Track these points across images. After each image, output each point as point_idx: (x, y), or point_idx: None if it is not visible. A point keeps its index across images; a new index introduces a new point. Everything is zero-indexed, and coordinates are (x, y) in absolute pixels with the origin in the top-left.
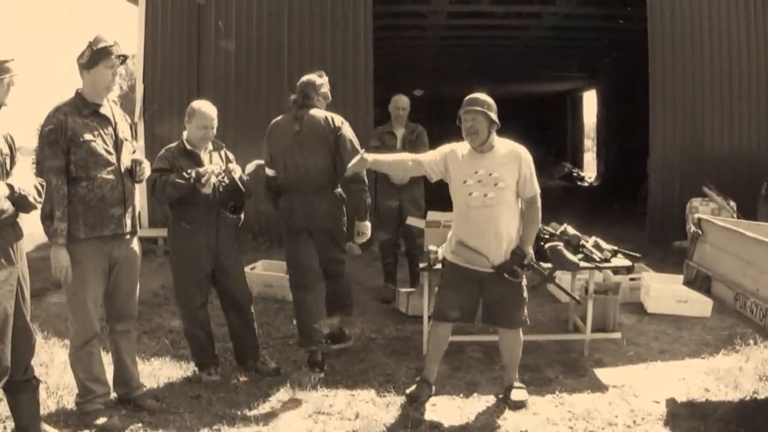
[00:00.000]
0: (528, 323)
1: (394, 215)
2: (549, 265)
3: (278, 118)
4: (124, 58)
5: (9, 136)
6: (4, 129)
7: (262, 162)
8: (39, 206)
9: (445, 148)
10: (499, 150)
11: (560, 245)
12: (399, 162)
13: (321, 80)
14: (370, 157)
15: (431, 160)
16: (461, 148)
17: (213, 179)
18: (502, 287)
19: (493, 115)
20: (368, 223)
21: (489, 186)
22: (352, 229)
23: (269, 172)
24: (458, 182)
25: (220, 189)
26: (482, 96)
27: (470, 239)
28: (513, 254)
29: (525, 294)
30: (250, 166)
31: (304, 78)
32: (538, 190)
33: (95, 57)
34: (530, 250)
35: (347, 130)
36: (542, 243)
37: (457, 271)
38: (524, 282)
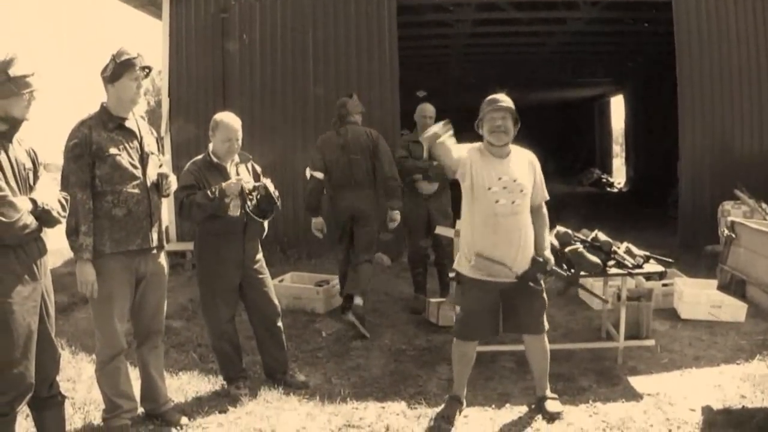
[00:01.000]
0: (547, 327)
1: (423, 225)
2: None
3: (325, 134)
4: (148, 70)
5: (32, 150)
6: (27, 143)
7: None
8: (63, 221)
9: (470, 149)
10: (515, 155)
11: (580, 247)
12: (454, 149)
13: (352, 101)
14: (439, 136)
15: (463, 154)
16: (474, 150)
17: (236, 201)
18: (524, 295)
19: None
20: (398, 213)
21: (515, 193)
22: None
23: (318, 175)
24: (482, 189)
25: (256, 199)
26: (505, 95)
27: (495, 249)
28: (534, 261)
29: (546, 298)
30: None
31: (338, 102)
32: (548, 196)
33: (119, 70)
34: (550, 256)
35: (383, 141)
36: (562, 249)
37: (477, 286)
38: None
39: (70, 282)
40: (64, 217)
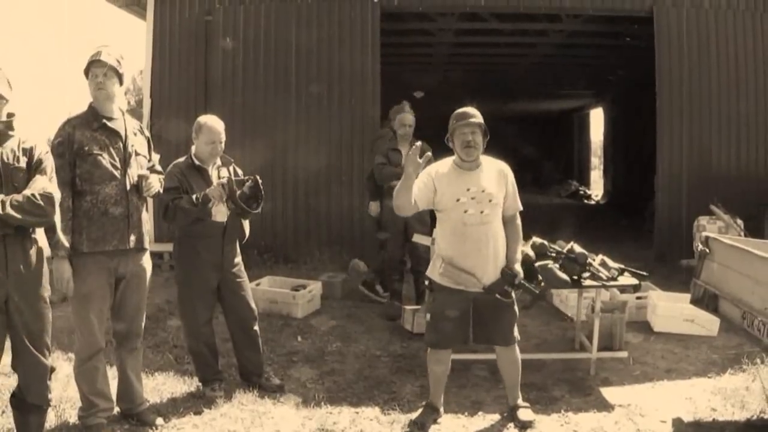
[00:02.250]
0: (518, 338)
1: (400, 232)
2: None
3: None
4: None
5: (31, 149)
6: (30, 142)
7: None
8: (39, 218)
9: (427, 174)
10: (486, 166)
11: (550, 263)
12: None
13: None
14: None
15: (419, 194)
16: (442, 167)
17: (221, 206)
18: (494, 306)
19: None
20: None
21: (484, 203)
22: None
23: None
24: (451, 201)
25: (246, 190)
26: (473, 109)
27: (465, 259)
28: (503, 274)
29: (516, 310)
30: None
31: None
32: (521, 207)
33: (87, 67)
34: (519, 269)
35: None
36: (533, 262)
37: (447, 294)
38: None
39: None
40: (39, 219)
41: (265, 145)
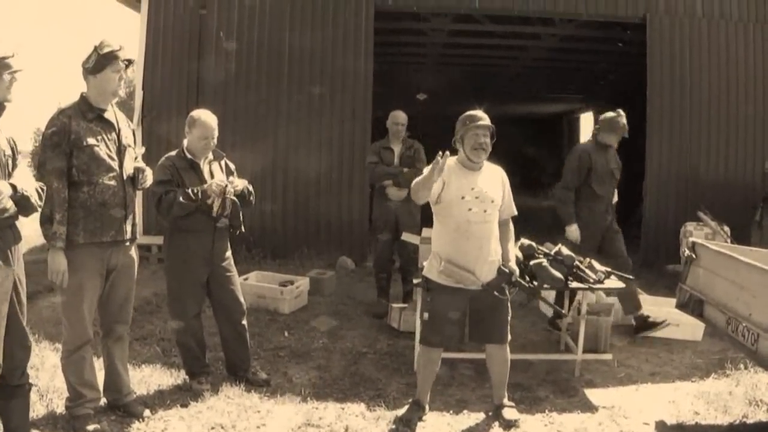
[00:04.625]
0: (510, 338)
1: (390, 231)
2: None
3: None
4: (129, 62)
5: (12, 139)
6: (7, 131)
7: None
8: (39, 209)
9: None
10: (487, 170)
11: (544, 262)
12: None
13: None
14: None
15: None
16: (449, 163)
17: (217, 201)
18: (491, 304)
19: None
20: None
21: (486, 202)
22: None
23: None
24: (455, 198)
25: (233, 198)
26: (482, 113)
27: (466, 256)
28: (500, 272)
29: (509, 309)
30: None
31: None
32: (515, 212)
33: (102, 62)
34: (515, 267)
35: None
36: (525, 265)
37: (446, 293)
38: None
39: (34, 270)
40: (41, 206)
41: (256, 141)
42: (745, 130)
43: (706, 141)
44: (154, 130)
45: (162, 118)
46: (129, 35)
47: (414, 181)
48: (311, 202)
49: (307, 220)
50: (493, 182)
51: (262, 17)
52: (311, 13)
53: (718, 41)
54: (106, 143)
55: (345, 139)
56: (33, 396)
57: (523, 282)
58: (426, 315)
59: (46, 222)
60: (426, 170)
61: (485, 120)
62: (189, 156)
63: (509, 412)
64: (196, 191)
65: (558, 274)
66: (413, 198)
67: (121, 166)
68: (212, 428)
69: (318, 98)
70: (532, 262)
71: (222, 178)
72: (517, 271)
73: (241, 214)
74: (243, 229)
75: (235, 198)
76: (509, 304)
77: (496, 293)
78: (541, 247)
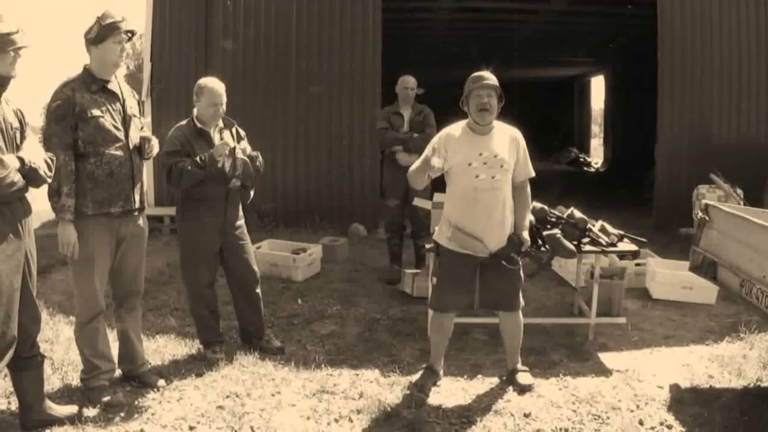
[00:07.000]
0: (524, 304)
1: (401, 196)
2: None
3: None
4: (131, 34)
5: (19, 111)
6: (14, 104)
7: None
8: (49, 180)
9: (439, 137)
10: (498, 131)
11: (558, 233)
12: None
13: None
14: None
15: (436, 156)
16: (455, 130)
17: (227, 160)
18: (500, 272)
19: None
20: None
21: (495, 168)
22: None
23: None
24: (462, 165)
25: (244, 158)
26: (489, 73)
27: (474, 224)
28: (510, 241)
29: (522, 276)
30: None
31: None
32: (533, 173)
33: (103, 32)
34: (527, 237)
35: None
36: (538, 229)
37: (453, 258)
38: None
39: (47, 244)
40: (50, 177)
41: (270, 104)
42: (758, 91)
43: (718, 103)
44: (163, 100)
45: (170, 89)
46: (136, 6)
47: (410, 170)
48: (322, 169)
49: (318, 188)
50: (505, 145)
51: None
52: None
53: (729, 2)
54: (111, 114)
55: (355, 106)
56: (48, 369)
57: (533, 252)
58: (434, 279)
59: (54, 195)
60: (423, 154)
61: (490, 80)
62: (199, 125)
63: (523, 377)
64: (203, 158)
65: (570, 246)
66: (411, 185)
67: (126, 136)
68: (227, 397)
69: (327, 64)
70: (545, 233)
71: (228, 140)
72: (529, 242)
73: (252, 175)
74: (251, 193)
75: (245, 157)
76: (521, 271)
77: (504, 262)
78: (553, 211)
